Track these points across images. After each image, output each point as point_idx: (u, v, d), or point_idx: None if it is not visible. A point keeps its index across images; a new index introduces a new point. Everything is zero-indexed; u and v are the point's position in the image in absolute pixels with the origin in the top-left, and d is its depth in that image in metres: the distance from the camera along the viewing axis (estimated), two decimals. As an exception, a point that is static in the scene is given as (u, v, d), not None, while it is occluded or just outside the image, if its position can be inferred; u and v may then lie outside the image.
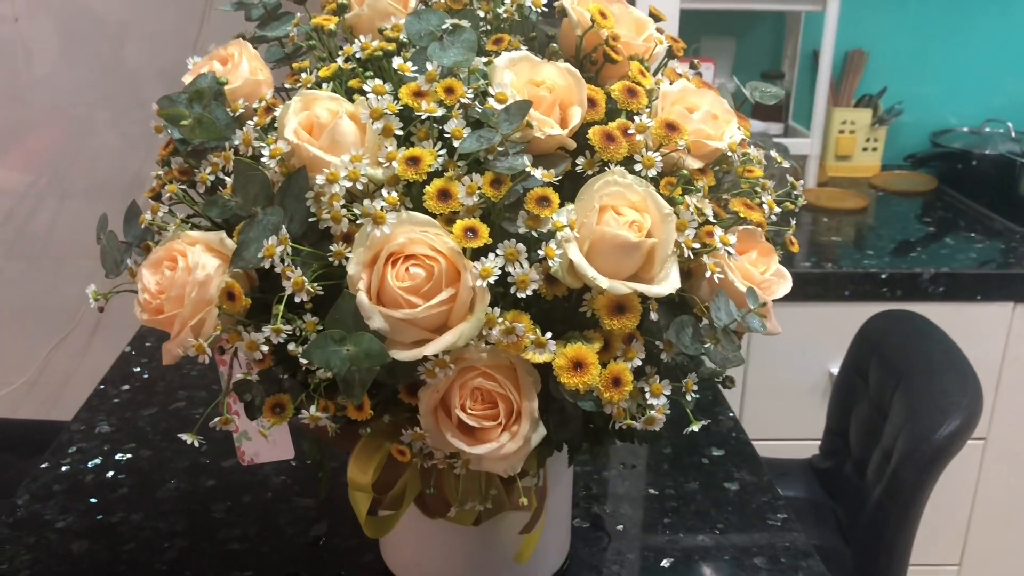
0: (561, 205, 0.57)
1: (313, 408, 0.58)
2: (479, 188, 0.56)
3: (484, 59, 0.62)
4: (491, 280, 0.54)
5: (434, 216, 0.56)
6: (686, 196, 0.60)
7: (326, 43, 0.71)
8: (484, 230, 0.55)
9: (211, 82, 0.65)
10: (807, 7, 1.81)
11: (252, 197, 0.58)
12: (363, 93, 0.60)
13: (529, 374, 0.58)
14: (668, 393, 0.59)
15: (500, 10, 0.68)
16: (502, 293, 0.56)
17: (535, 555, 0.75)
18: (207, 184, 0.64)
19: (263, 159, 0.59)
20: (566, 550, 0.88)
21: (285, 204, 0.57)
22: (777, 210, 0.67)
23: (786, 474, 1.42)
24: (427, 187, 0.56)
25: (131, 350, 1.29)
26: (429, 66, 0.60)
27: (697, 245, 0.59)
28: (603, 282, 0.55)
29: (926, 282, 1.56)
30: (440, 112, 0.58)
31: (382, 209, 0.55)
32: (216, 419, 0.61)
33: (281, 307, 0.56)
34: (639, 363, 0.58)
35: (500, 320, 0.55)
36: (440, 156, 0.57)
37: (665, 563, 0.87)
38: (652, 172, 0.59)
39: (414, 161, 0.56)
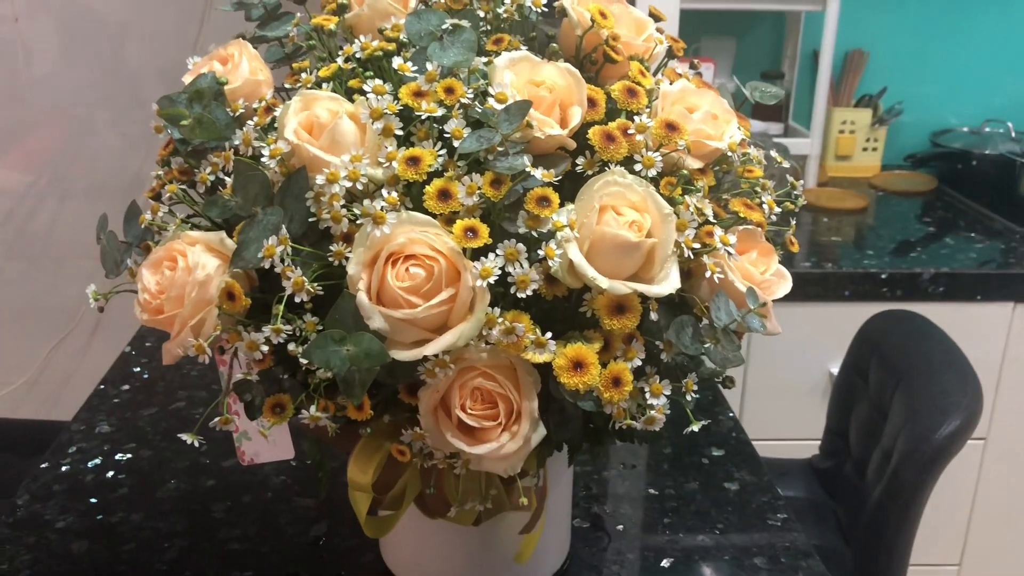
0: (561, 205, 0.57)
1: (313, 408, 0.58)
2: (479, 188, 0.56)
3: (484, 59, 0.62)
4: (491, 280, 0.54)
5: (434, 216, 0.56)
6: (686, 196, 0.60)
7: (326, 43, 0.71)
8: (484, 230, 0.55)
9: (211, 82, 0.65)
10: (807, 7, 1.81)
11: (252, 197, 0.58)
12: (363, 93, 0.60)
13: (529, 374, 0.58)
14: (668, 393, 0.59)
15: (500, 10, 0.68)
16: (502, 293, 0.56)
17: (535, 555, 0.75)
18: (207, 184, 0.64)
19: (263, 159, 0.59)
20: (566, 550, 0.88)
21: (285, 204, 0.57)
22: (777, 210, 0.67)
23: (786, 474, 1.42)
24: (427, 187, 0.56)
25: (131, 350, 1.29)
26: (429, 66, 0.60)
27: (697, 245, 0.59)
28: (603, 282, 0.55)
29: (926, 282, 1.56)
30: (440, 112, 0.58)
31: (382, 209, 0.55)
32: (216, 419, 0.61)
33: (281, 307, 0.56)
34: (639, 363, 0.58)
35: (500, 320, 0.55)
36: (440, 156, 0.57)
37: (665, 563, 0.87)
38: (652, 172, 0.59)
39: (414, 161, 0.56)
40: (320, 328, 0.56)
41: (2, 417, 1.60)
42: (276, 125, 0.61)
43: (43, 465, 1.02)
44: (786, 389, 1.66)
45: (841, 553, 1.25)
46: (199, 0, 1.80)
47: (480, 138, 0.56)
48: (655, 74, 0.71)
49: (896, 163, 2.10)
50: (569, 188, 0.58)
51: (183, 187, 0.67)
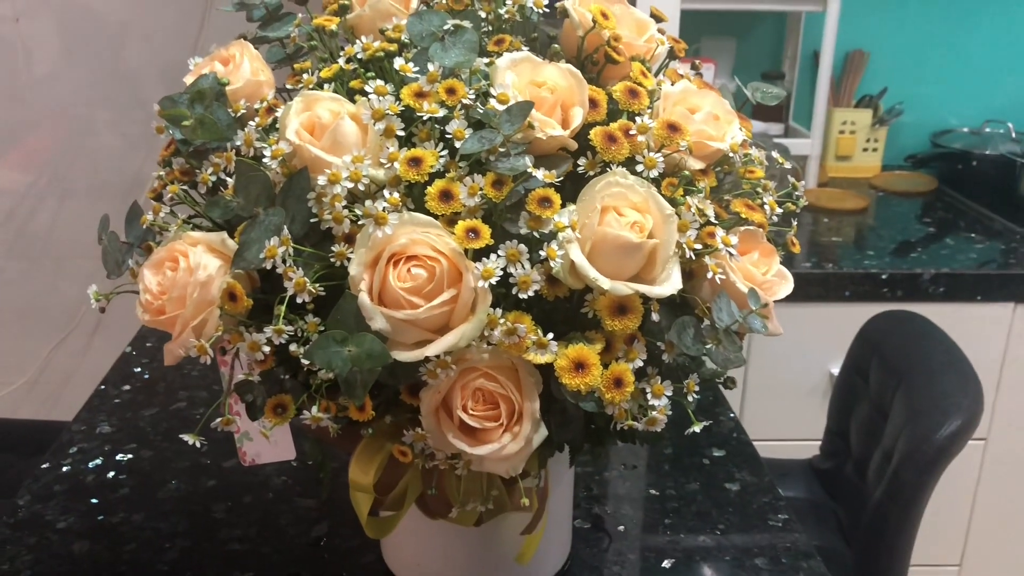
0: (563, 206, 0.57)
1: (315, 409, 0.58)
2: (481, 189, 0.56)
3: (486, 60, 0.62)
4: (493, 281, 0.54)
5: (436, 217, 0.56)
6: (688, 197, 0.60)
7: (327, 44, 0.71)
8: (486, 231, 0.55)
9: (213, 83, 0.65)
10: (807, 7, 1.81)
11: (254, 198, 0.58)
12: (365, 94, 0.60)
13: (531, 375, 0.58)
14: (670, 394, 0.59)
15: (502, 11, 0.68)
16: (504, 294, 0.56)
17: (536, 556, 0.75)
18: (208, 185, 0.64)
19: (265, 160, 0.59)
20: (567, 551, 0.88)
21: (287, 205, 0.57)
22: (779, 211, 0.67)
23: (786, 475, 1.43)
24: (429, 188, 0.56)
25: (132, 350, 1.29)
26: (431, 67, 0.60)
27: (699, 246, 0.59)
28: (605, 283, 0.55)
29: (926, 282, 1.56)
30: (442, 113, 0.58)
31: (384, 210, 0.55)
32: (218, 420, 0.61)
33: (283, 308, 0.56)
34: (641, 364, 0.58)
35: (502, 321, 0.55)
36: (442, 157, 0.57)
37: (666, 564, 0.87)
38: (654, 173, 0.59)
39: (416, 162, 0.56)
40: (322, 329, 0.56)
41: (2, 417, 1.60)
42: (278, 126, 0.61)
43: (44, 465, 1.02)
44: (786, 390, 1.66)
45: (842, 554, 1.25)
46: (199, 0, 1.80)
47: (482, 139, 0.56)
48: (656, 75, 0.71)
49: (896, 163, 2.10)
50: (571, 189, 0.58)
51: (184, 188, 0.67)
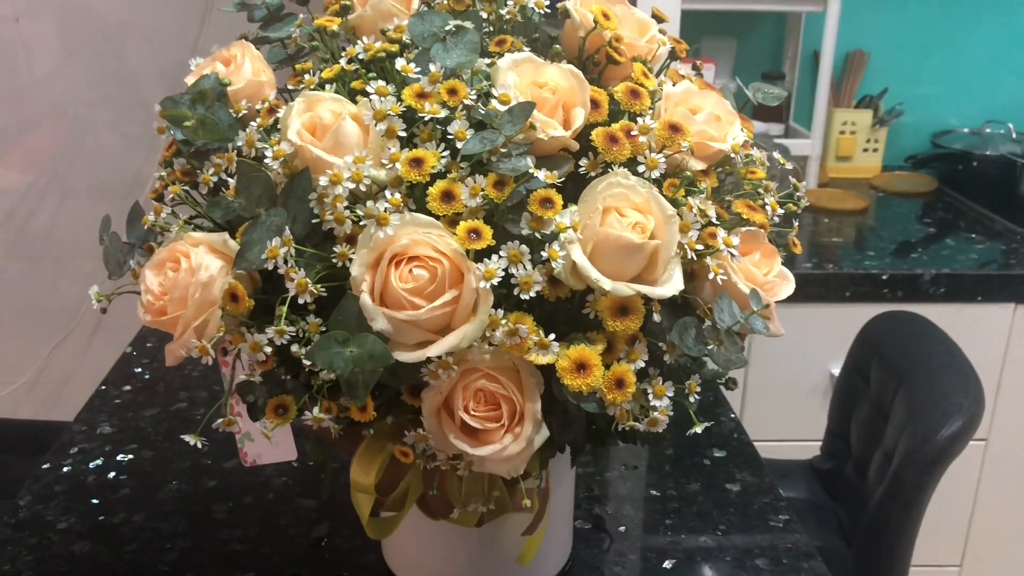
0: (564, 207, 0.57)
1: (316, 409, 0.58)
2: (482, 189, 0.56)
3: (487, 60, 0.62)
4: (494, 282, 0.54)
5: (437, 217, 0.56)
6: (689, 198, 0.60)
7: (329, 44, 0.71)
8: (487, 231, 0.55)
9: (214, 83, 0.65)
10: (808, 8, 1.81)
11: (255, 198, 0.58)
12: (366, 94, 0.60)
13: (532, 376, 0.58)
14: (671, 395, 0.59)
15: (503, 11, 0.68)
16: (505, 295, 0.56)
17: (537, 556, 0.75)
18: (210, 185, 0.64)
19: (266, 160, 0.59)
20: (568, 551, 0.88)
21: (288, 205, 0.57)
22: (780, 211, 0.67)
23: (787, 475, 1.42)
24: (430, 188, 0.56)
25: (132, 351, 1.29)
26: (432, 67, 0.60)
27: (700, 247, 0.59)
28: (606, 284, 0.55)
29: (927, 283, 1.56)
30: (443, 113, 0.58)
31: (385, 210, 0.55)
32: (219, 420, 0.61)
33: (284, 308, 0.56)
34: (642, 365, 0.58)
35: (503, 322, 0.55)
36: (443, 157, 0.57)
37: (667, 564, 0.87)
38: (655, 174, 0.59)
39: (417, 162, 0.56)
40: (323, 329, 0.56)
41: (2, 417, 1.60)
42: (279, 126, 0.61)
43: (45, 466, 1.02)
44: (787, 390, 1.66)
45: (842, 554, 1.25)
46: (200, 0, 1.80)
47: (483, 139, 0.56)
48: (658, 75, 0.71)
49: (897, 164, 2.10)
50: (572, 190, 0.58)
51: (186, 188, 0.67)
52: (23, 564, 0.86)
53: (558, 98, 0.61)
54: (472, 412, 0.58)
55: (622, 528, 0.92)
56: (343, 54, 0.65)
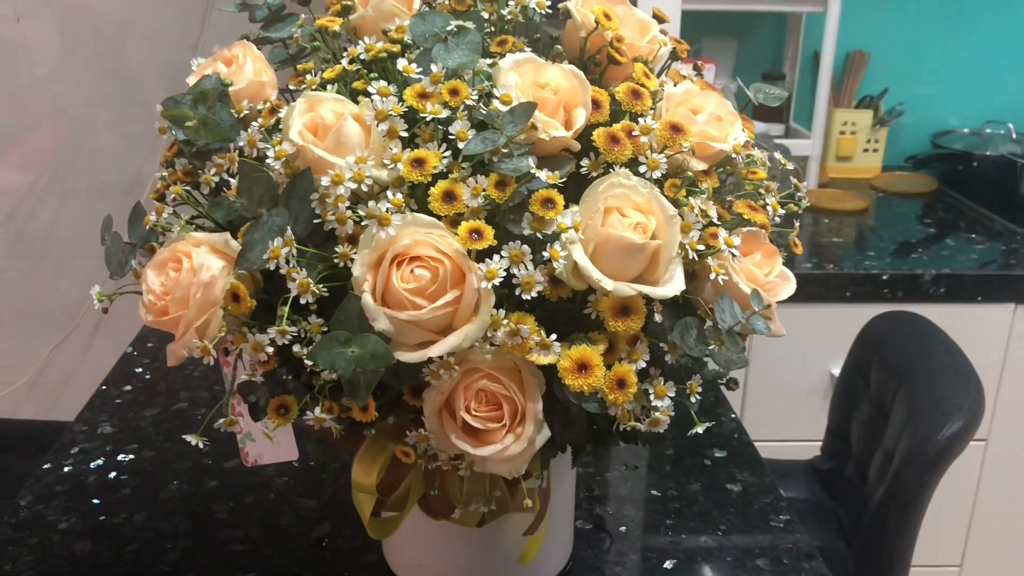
0: (566, 207, 0.57)
1: (318, 410, 0.58)
2: (484, 190, 0.56)
3: (488, 61, 0.62)
4: (496, 282, 0.54)
5: (439, 218, 0.56)
6: (690, 198, 0.60)
7: (330, 44, 0.71)
8: (489, 232, 0.55)
9: (215, 83, 0.65)
10: (808, 8, 1.81)
11: (257, 198, 0.58)
12: (368, 95, 0.60)
13: (534, 376, 0.58)
14: (672, 395, 0.59)
15: (504, 12, 0.68)
16: (507, 295, 0.56)
17: (538, 556, 0.75)
18: (212, 185, 0.64)
19: (268, 160, 0.59)
20: (569, 551, 0.88)
21: (290, 205, 0.57)
22: (781, 212, 0.67)
23: (787, 475, 1.43)
24: (432, 189, 0.56)
25: (133, 350, 1.29)
26: (434, 68, 0.60)
27: (701, 247, 0.59)
28: (608, 284, 0.55)
29: (927, 283, 1.56)
30: (445, 114, 0.58)
31: (387, 211, 0.55)
32: (221, 420, 0.61)
33: (286, 309, 0.56)
34: (643, 365, 0.58)
35: (505, 322, 0.55)
36: (445, 158, 0.57)
37: (668, 564, 0.87)
38: (657, 174, 0.59)
39: (419, 163, 0.56)
40: (325, 330, 0.56)
41: (3, 418, 1.60)
42: (281, 127, 0.61)
43: (45, 466, 1.02)
44: (787, 390, 1.66)
45: (843, 555, 1.25)
46: (200, 0, 1.80)
47: (485, 140, 0.56)
48: (659, 76, 0.71)
49: (897, 164, 2.10)
50: (573, 190, 0.58)
51: (187, 188, 0.67)
52: (24, 564, 0.86)
53: (559, 98, 0.61)
54: (474, 412, 0.58)
55: (623, 528, 0.92)
56: (345, 54, 0.65)
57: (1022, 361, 1.62)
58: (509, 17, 0.68)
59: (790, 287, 0.66)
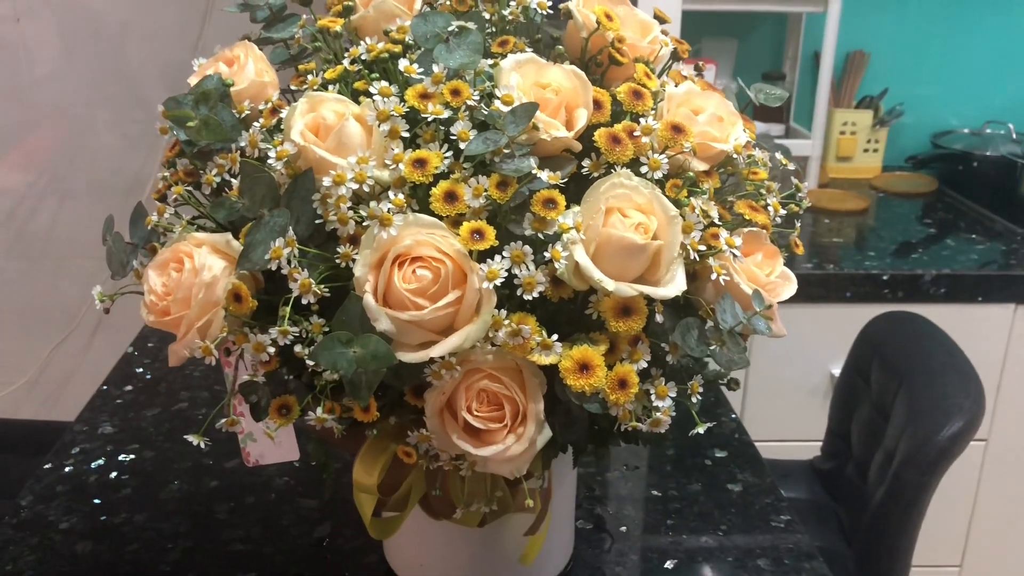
0: (567, 207, 0.57)
1: (319, 410, 0.58)
2: (485, 190, 0.56)
3: (490, 61, 0.62)
4: (497, 282, 0.54)
5: (440, 218, 0.56)
6: (692, 198, 0.60)
7: (332, 45, 0.71)
8: (490, 232, 0.55)
9: (217, 84, 0.65)
10: (808, 8, 1.81)
11: (259, 199, 0.58)
12: (369, 95, 0.60)
13: (535, 376, 0.58)
14: (674, 395, 0.59)
15: (505, 12, 0.68)
16: (508, 295, 0.56)
17: (539, 557, 0.75)
18: (213, 186, 0.64)
19: (269, 161, 0.59)
20: (569, 551, 0.88)
21: (292, 206, 0.57)
22: (782, 212, 0.67)
23: (788, 475, 1.43)
24: (433, 189, 0.56)
25: (133, 350, 1.29)
26: (435, 68, 0.60)
27: (703, 247, 0.59)
28: (609, 284, 0.55)
29: (927, 283, 1.56)
30: (446, 114, 0.58)
31: (389, 211, 0.55)
32: (222, 420, 0.61)
33: (288, 309, 0.56)
34: (645, 365, 0.58)
35: (506, 322, 0.55)
36: (446, 158, 0.57)
37: (668, 565, 0.87)
38: (658, 174, 0.60)
39: (420, 163, 0.56)
40: (327, 330, 0.56)
41: (3, 418, 1.60)
42: (282, 127, 0.61)
43: (46, 466, 1.02)
44: (787, 390, 1.66)
45: (843, 555, 1.25)
46: (201, 0, 1.80)
47: (486, 140, 0.56)
48: (660, 76, 0.71)
49: (897, 164, 2.10)
50: (575, 190, 0.58)
51: (189, 189, 0.67)
52: (25, 564, 0.86)
53: (561, 99, 0.61)
54: (475, 412, 0.58)
55: (623, 528, 0.92)
56: (346, 55, 0.65)
57: (1022, 361, 1.62)
58: (510, 17, 0.68)
59: (791, 287, 0.66)
